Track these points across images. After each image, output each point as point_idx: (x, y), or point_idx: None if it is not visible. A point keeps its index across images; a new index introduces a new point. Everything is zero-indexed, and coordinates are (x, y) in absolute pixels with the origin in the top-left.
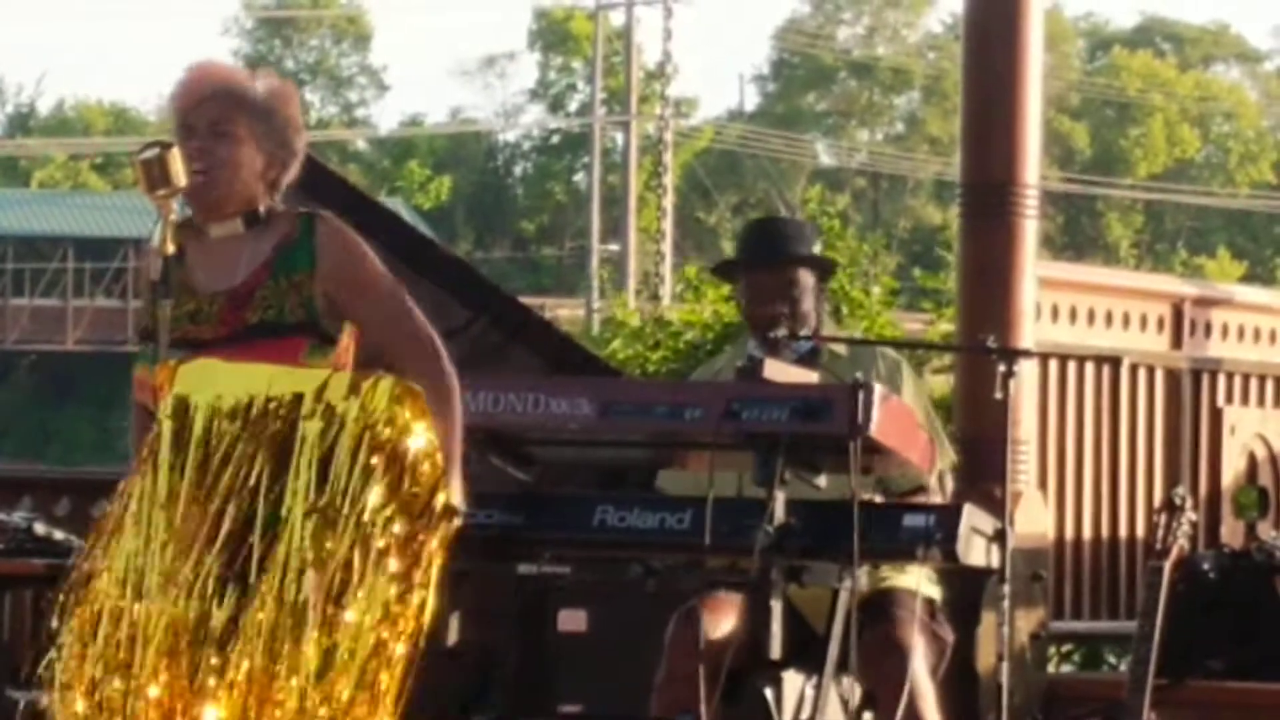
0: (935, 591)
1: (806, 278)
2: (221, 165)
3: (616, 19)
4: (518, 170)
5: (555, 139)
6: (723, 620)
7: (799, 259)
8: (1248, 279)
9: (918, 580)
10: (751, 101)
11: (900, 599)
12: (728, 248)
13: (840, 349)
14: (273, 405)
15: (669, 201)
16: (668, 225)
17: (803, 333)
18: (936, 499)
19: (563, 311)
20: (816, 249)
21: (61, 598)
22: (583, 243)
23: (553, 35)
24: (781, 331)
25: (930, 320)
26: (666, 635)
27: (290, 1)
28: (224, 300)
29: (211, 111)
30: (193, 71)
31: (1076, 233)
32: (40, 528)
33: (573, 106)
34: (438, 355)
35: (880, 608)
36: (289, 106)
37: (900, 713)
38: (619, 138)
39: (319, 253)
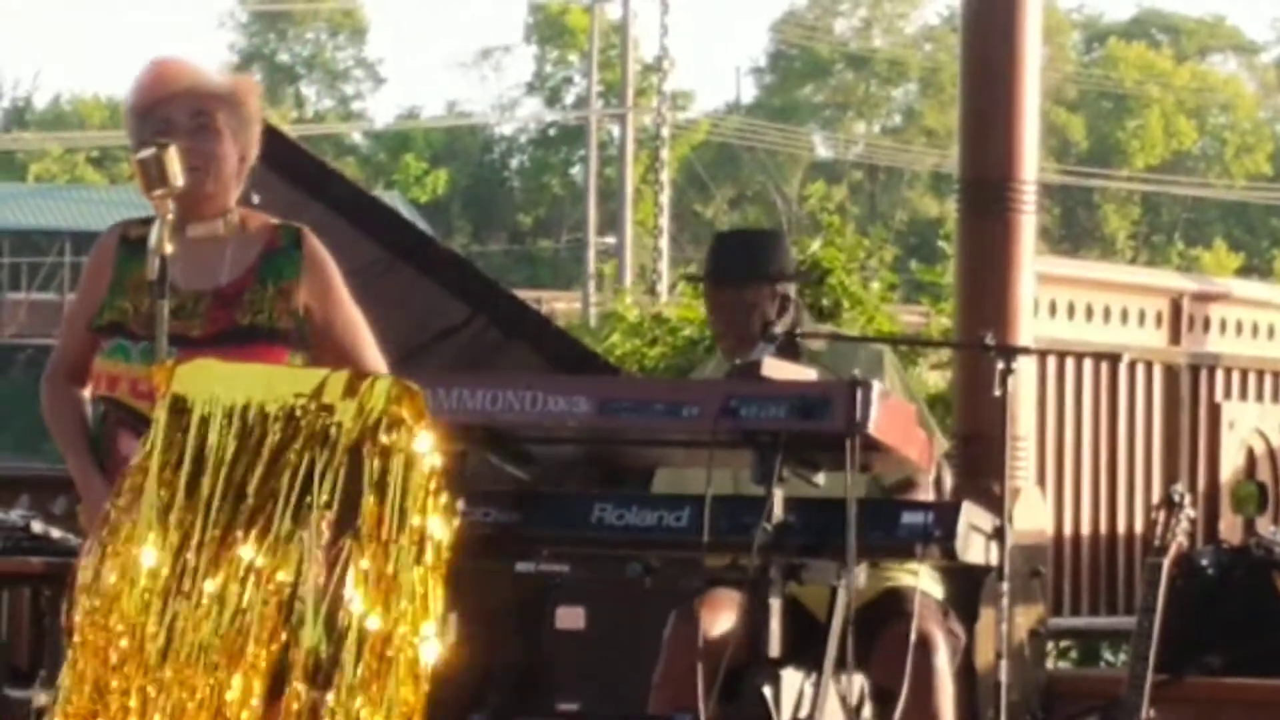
0: (939, 591)
1: (760, 294)
2: (211, 160)
3: (613, 12)
4: (514, 163)
5: (552, 132)
6: (721, 618)
7: (745, 279)
8: (1244, 271)
9: (927, 580)
10: (748, 94)
11: (914, 596)
12: None
13: (819, 346)
14: (271, 408)
15: (666, 198)
16: (665, 222)
17: (755, 350)
18: (927, 495)
19: (559, 305)
20: (782, 260)
21: (66, 601)
22: (579, 236)
23: (549, 28)
24: (733, 357)
25: (926, 313)
26: (665, 633)
27: None
28: (210, 299)
29: (190, 106)
30: (161, 66)
31: (1073, 225)
32: (38, 526)
33: (569, 100)
34: None
35: (895, 606)
36: (255, 99)
37: (904, 705)
38: (615, 131)
39: (306, 264)
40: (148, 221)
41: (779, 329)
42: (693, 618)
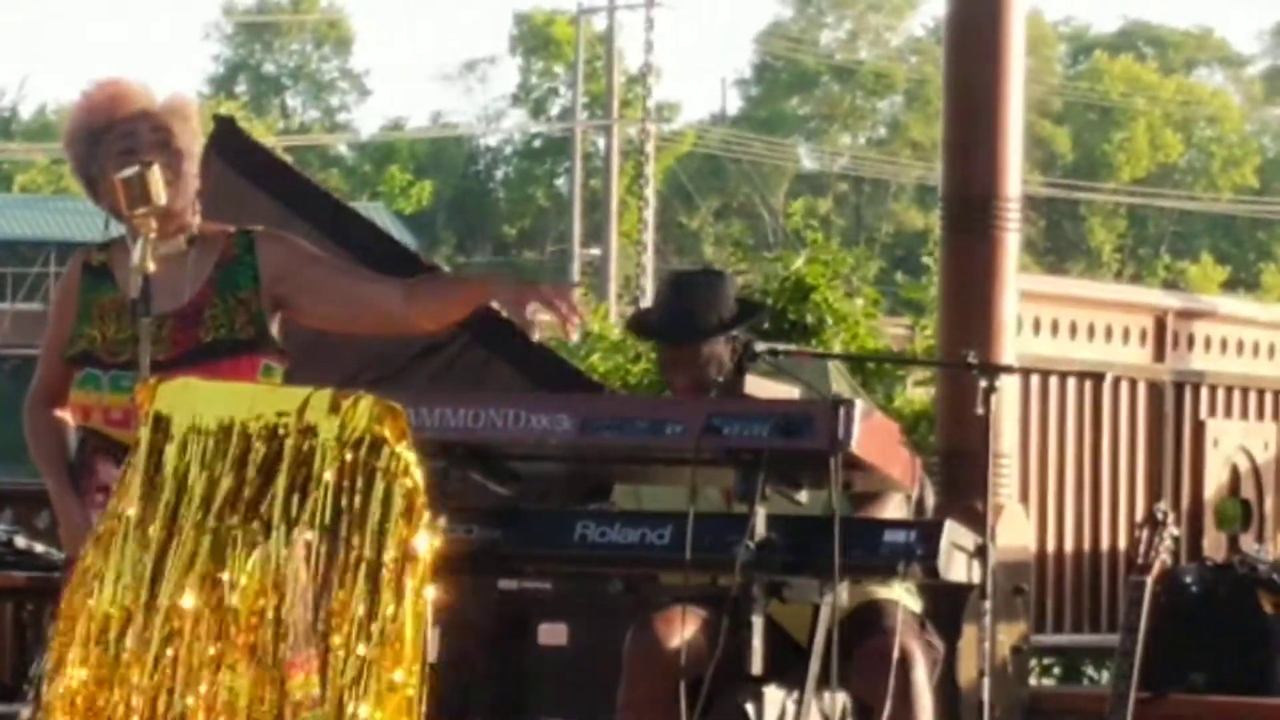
0: (916, 604)
1: (713, 346)
2: (178, 176)
3: (598, 23)
4: (499, 175)
5: (537, 143)
6: (680, 634)
7: (697, 337)
8: (1230, 284)
9: (904, 593)
10: (734, 105)
11: (891, 610)
12: (709, 252)
13: (769, 361)
14: (254, 426)
15: (651, 213)
16: (649, 237)
17: (713, 393)
18: (896, 504)
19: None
20: (732, 305)
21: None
22: (564, 247)
23: (534, 39)
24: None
25: (910, 327)
26: (624, 651)
27: (271, 6)
28: (173, 321)
29: (150, 124)
30: (113, 86)
31: (1059, 238)
32: (22, 541)
33: (554, 111)
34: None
35: (873, 619)
36: (197, 115)
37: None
38: (600, 142)
39: (262, 265)
40: (106, 247)
41: (714, 385)
42: (651, 635)
